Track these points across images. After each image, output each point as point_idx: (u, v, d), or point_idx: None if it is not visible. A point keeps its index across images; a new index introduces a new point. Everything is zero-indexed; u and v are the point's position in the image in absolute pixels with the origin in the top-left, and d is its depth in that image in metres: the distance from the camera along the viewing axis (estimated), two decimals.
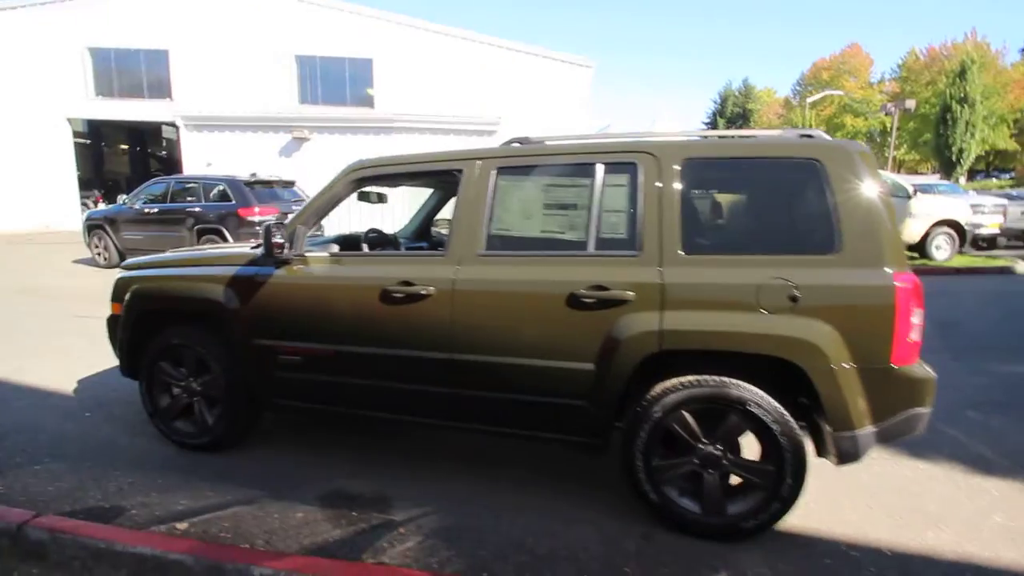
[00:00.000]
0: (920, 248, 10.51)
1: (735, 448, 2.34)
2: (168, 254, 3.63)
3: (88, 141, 23.90)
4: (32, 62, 18.62)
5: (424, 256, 3.07)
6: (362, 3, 19.60)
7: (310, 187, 11.44)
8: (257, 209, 9.30)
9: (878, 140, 38.40)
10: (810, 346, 2.13)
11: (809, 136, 2.40)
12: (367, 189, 3.40)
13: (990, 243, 12.02)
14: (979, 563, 2.25)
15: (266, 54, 19.26)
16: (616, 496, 2.66)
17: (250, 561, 2.14)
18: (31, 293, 7.93)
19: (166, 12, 18.87)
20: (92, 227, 10.51)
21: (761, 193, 2.44)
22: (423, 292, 2.55)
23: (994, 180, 28.92)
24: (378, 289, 2.62)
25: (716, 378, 2.25)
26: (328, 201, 2.90)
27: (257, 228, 9.26)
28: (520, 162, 2.60)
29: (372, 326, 2.67)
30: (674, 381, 2.31)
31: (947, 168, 26.46)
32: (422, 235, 4.14)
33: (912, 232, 10.41)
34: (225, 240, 9.17)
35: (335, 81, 19.91)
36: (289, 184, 10.59)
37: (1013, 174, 32.74)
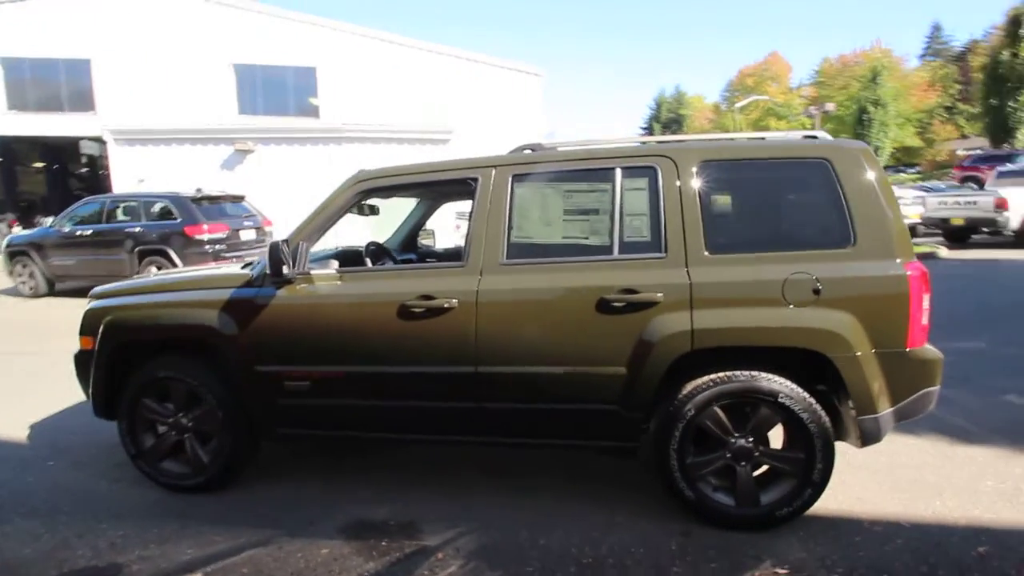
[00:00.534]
0: None
1: (765, 440, 2.40)
2: (143, 279, 3.35)
3: None
4: None
5: (441, 268, 2.96)
6: (305, 11, 19.19)
7: (258, 201, 10.93)
8: (206, 227, 8.77)
9: None
10: (835, 336, 2.23)
11: (813, 137, 2.53)
12: (371, 201, 3.27)
13: (911, 232, 13.11)
14: (986, 524, 2.43)
15: (200, 63, 18.30)
16: (645, 496, 2.67)
17: None
18: None
19: (88, 19, 17.61)
20: (14, 253, 9.64)
21: (776, 192, 2.53)
22: (445, 305, 2.47)
23: (903, 174, 31.85)
24: (395, 304, 2.52)
25: (747, 372, 2.31)
26: (330, 215, 2.76)
27: (207, 248, 8.76)
28: (536, 168, 2.58)
29: (390, 344, 2.57)
30: (705, 378, 2.34)
31: None
32: (408, 247, 4.03)
33: None
34: (171, 262, 8.59)
35: (277, 90, 19.23)
36: (238, 199, 10.05)
37: (919, 168, 36.06)
